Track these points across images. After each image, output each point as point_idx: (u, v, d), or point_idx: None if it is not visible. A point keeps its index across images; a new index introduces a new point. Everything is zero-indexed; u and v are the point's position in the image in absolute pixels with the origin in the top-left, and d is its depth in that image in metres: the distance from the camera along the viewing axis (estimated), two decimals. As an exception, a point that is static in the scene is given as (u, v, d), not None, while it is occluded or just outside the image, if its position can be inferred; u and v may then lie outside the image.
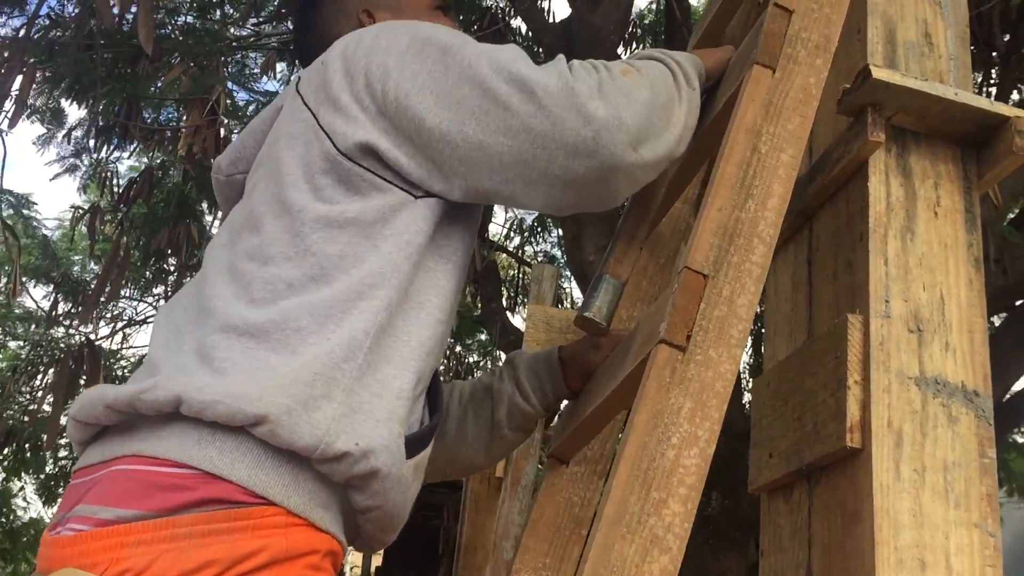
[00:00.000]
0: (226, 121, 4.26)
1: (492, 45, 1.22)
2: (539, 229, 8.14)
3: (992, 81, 4.96)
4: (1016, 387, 5.38)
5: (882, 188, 1.34)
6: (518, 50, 1.21)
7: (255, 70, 5.90)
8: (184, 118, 4.41)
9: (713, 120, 1.35)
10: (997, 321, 5.73)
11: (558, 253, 8.32)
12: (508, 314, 7.05)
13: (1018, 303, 4.97)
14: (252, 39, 5.94)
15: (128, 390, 1.07)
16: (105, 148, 5.52)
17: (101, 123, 5.03)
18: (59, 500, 1.16)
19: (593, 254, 4.43)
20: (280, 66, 5.79)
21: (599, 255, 3.76)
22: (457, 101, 1.17)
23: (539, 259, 8.18)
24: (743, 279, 1.08)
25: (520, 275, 7.93)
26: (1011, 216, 4.91)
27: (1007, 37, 4.51)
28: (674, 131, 1.24)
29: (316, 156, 1.19)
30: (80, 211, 5.83)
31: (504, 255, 8.12)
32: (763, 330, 1.97)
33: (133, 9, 4.11)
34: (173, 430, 1.05)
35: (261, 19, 5.79)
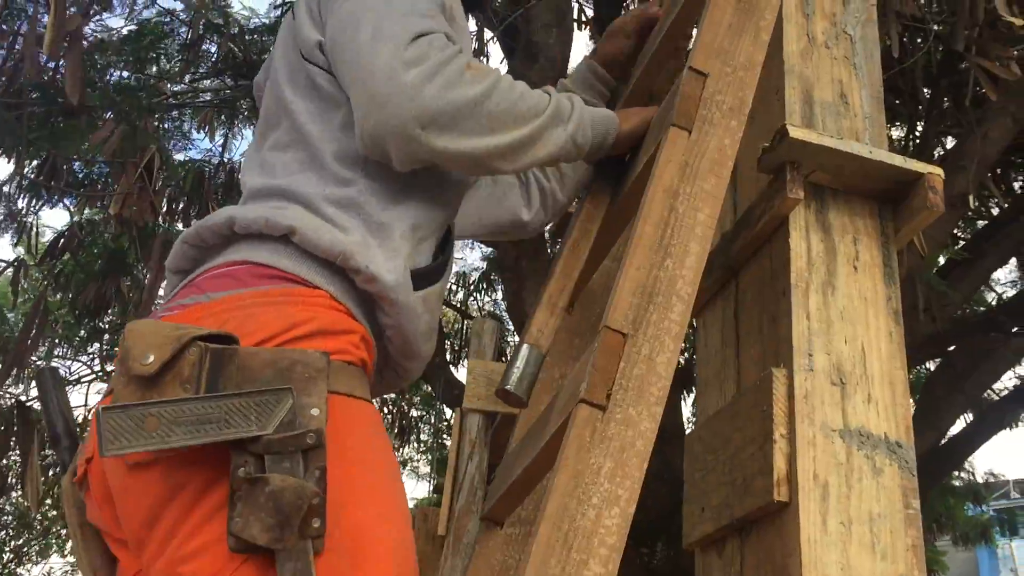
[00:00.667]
0: (159, 185, 4.19)
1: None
2: (483, 285, 8.15)
3: (916, 134, 5.13)
4: (951, 432, 5.48)
5: (803, 244, 1.37)
6: (425, 15, 1.30)
7: (190, 127, 5.86)
8: (116, 176, 4.34)
9: (635, 180, 1.37)
10: (933, 365, 5.86)
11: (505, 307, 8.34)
12: (452, 368, 7.01)
13: (949, 349, 5.08)
14: (189, 95, 5.91)
15: (221, 217, 1.32)
16: (33, 203, 5.42)
17: (30, 177, 4.94)
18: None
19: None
20: (219, 128, 5.75)
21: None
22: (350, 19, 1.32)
23: (483, 314, 8.18)
24: (662, 337, 1.08)
25: (464, 329, 7.91)
26: (938, 265, 5.05)
27: (928, 91, 4.67)
28: (494, 142, 1.29)
29: (294, 59, 1.42)
30: (3, 264, 5.70)
31: (449, 310, 8.11)
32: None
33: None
34: (240, 247, 1.29)
35: (199, 74, 5.77)
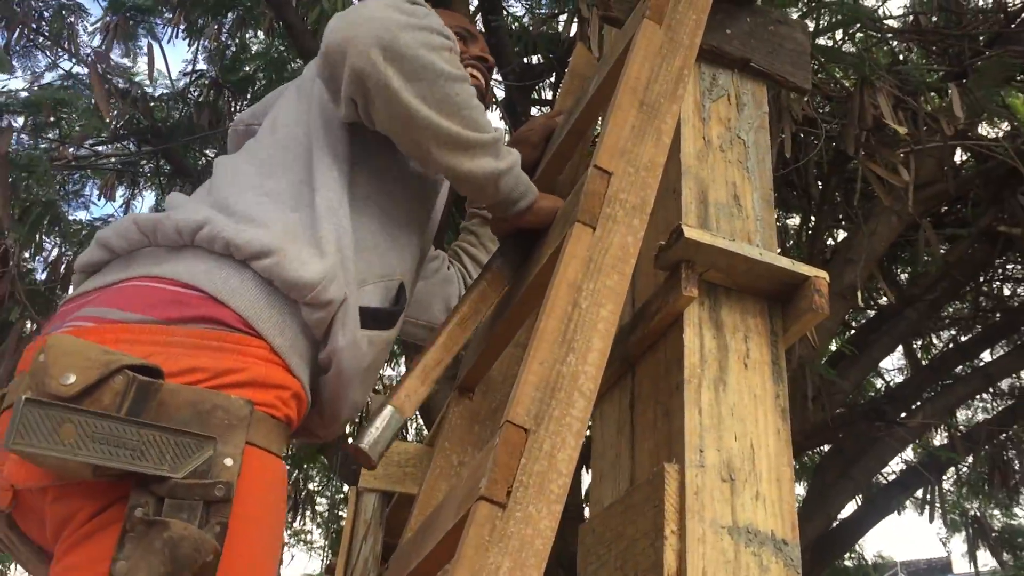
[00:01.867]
0: (16, 273, 4.00)
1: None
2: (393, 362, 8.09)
3: (809, 225, 5.35)
4: (841, 515, 5.62)
5: (696, 340, 1.41)
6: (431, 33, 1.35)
7: (91, 191, 5.72)
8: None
9: (538, 273, 1.39)
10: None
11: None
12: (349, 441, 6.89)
13: (839, 436, 5.24)
14: (92, 159, 5.79)
15: (155, 216, 1.26)
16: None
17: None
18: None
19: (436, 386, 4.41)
20: (120, 189, 5.64)
21: (444, 390, 3.75)
22: None
23: (384, 390, 8.08)
24: (563, 433, 1.09)
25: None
26: (828, 353, 5.23)
27: (820, 186, 4.89)
28: (435, 119, 1.32)
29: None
30: None
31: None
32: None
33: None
34: (184, 257, 1.23)
35: (101, 139, 5.67)
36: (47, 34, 5.19)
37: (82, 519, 1.05)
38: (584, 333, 1.19)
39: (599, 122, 1.79)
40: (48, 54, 5.59)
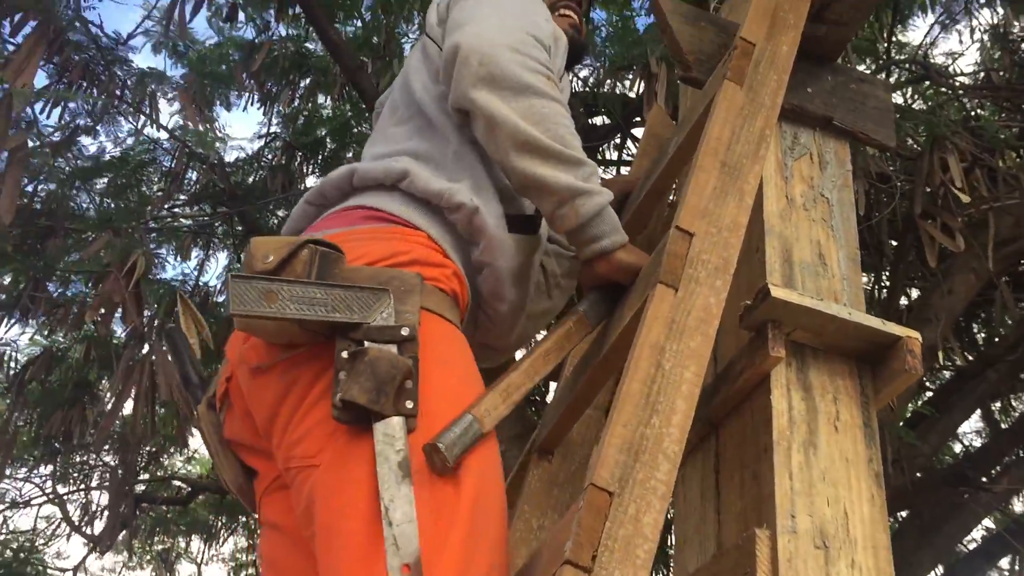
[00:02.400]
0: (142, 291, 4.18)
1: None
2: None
3: (884, 284, 5.24)
4: (922, 585, 5.39)
5: (784, 402, 1.37)
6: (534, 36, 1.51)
7: (168, 253, 5.87)
8: (96, 287, 4.30)
9: (621, 333, 1.38)
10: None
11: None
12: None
13: (918, 501, 5.06)
14: (169, 220, 5.95)
15: (341, 171, 1.56)
16: (4, 325, 5.36)
17: (2, 298, 4.91)
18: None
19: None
20: (195, 250, 5.78)
21: (512, 450, 3.73)
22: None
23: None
24: (648, 497, 1.07)
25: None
26: (906, 416, 5.08)
27: (894, 244, 4.80)
28: (514, 122, 1.42)
29: None
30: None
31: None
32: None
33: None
34: (356, 197, 1.51)
35: (180, 202, 5.83)
36: (129, 101, 5.39)
37: (304, 385, 1.25)
38: (668, 395, 1.17)
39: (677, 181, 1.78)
40: (131, 120, 5.80)
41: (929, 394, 5.58)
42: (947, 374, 5.58)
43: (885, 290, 5.09)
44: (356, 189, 1.53)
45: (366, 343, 1.19)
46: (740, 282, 1.56)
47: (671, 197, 1.88)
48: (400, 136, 1.59)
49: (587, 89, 7.02)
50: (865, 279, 5.61)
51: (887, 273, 5.05)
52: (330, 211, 1.53)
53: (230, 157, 6.04)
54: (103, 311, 4.22)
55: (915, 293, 5.35)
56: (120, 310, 4.22)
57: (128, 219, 4.36)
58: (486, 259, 1.49)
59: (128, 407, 4.73)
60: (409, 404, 1.18)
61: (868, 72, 4.76)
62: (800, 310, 1.38)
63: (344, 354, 1.20)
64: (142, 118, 5.46)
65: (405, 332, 1.21)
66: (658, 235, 1.77)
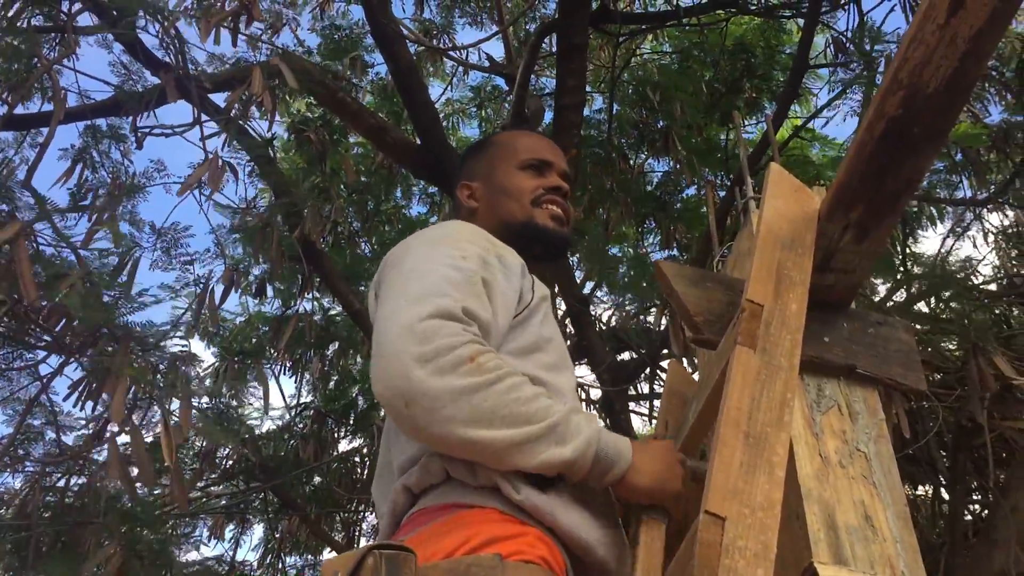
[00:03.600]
0: None
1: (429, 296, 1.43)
2: None
3: (941, 500, 4.98)
4: None
5: None
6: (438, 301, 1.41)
7: (201, 532, 5.76)
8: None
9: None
10: None
11: None
12: None
13: None
14: (202, 500, 5.87)
15: (397, 487, 1.52)
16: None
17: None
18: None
19: None
20: (229, 527, 5.67)
21: None
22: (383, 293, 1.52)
23: None
24: None
25: None
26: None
27: (947, 462, 4.60)
28: (471, 434, 1.34)
29: None
30: None
31: None
32: None
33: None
34: (419, 502, 1.49)
35: (211, 479, 5.77)
36: (161, 385, 5.47)
37: None
38: None
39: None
40: (162, 405, 5.86)
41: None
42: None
43: (944, 509, 4.83)
44: (416, 496, 1.49)
45: None
46: (783, 555, 1.44)
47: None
48: (404, 443, 1.54)
49: (612, 325, 7.09)
50: (921, 492, 5.35)
51: (943, 490, 4.81)
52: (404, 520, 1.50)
53: (261, 428, 6.05)
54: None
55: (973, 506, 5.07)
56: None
57: (150, 518, 4.29)
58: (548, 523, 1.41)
59: None
60: None
61: (886, 287, 4.77)
62: (855, 590, 1.26)
63: None
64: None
65: None
66: (686, 516, 1.67)
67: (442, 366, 1.34)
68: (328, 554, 6.35)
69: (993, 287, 5.24)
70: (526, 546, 1.34)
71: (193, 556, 5.87)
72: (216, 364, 6.01)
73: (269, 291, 5.94)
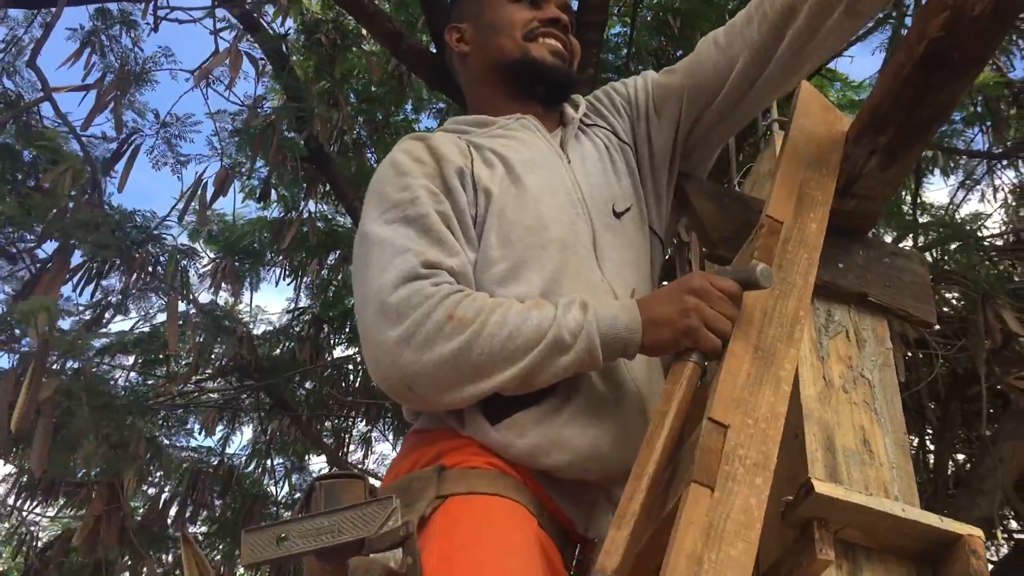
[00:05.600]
0: (126, 515, 4.08)
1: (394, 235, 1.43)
2: None
3: (927, 449, 5.03)
4: None
5: (839, 611, 1.24)
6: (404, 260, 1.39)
7: (193, 425, 5.80)
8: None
9: (651, 536, 1.26)
10: None
11: None
12: None
13: None
14: (195, 394, 5.91)
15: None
16: (27, 505, 5.28)
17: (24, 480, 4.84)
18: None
19: None
20: (221, 424, 5.71)
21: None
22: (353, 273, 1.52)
23: None
24: None
25: None
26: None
27: (936, 412, 4.63)
28: (483, 385, 1.33)
29: None
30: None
31: None
32: None
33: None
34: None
35: (206, 375, 5.81)
36: (161, 277, 5.45)
37: None
38: (709, 612, 1.05)
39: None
40: (161, 296, 5.85)
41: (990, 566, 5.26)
42: (1005, 549, 5.27)
43: (931, 457, 4.88)
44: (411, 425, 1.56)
45: (371, 555, 1.15)
46: (780, 472, 1.44)
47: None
48: None
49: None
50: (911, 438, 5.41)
51: (930, 441, 4.86)
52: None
53: (258, 330, 6.06)
54: (88, 534, 4.11)
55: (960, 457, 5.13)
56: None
57: (141, 408, 4.31)
58: None
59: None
60: None
61: (890, 238, 4.74)
62: (849, 507, 1.26)
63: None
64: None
65: (403, 532, 1.17)
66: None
67: (426, 338, 1.32)
68: (317, 457, 6.42)
69: (1000, 243, 5.21)
70: (471, 455, 1.36)
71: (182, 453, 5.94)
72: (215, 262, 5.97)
73: (273, 196, 5.89)
